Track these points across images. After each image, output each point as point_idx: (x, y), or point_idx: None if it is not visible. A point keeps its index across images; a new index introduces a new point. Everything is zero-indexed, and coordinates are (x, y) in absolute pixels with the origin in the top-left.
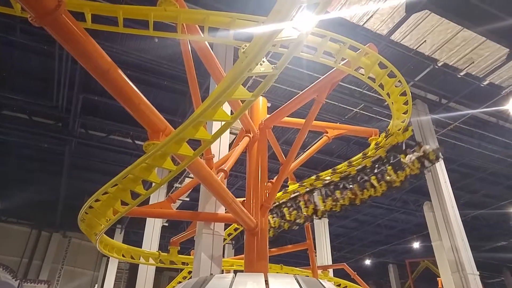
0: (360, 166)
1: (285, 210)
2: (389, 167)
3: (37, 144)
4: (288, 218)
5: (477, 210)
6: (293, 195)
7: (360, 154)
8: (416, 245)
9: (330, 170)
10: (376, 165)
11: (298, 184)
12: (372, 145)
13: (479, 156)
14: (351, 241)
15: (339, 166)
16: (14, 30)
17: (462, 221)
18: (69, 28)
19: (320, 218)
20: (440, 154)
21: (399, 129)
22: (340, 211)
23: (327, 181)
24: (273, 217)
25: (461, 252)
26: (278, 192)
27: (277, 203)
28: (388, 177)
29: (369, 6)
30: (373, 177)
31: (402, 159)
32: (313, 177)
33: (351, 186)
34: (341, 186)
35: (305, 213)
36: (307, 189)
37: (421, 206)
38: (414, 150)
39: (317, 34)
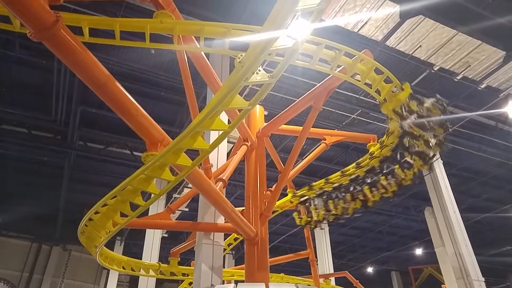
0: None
1: None
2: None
3: (37, 157)
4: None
5: (480, 214)
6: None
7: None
8: (418, 251)
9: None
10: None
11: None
12: (372, 149)
13: (479, 159)
14: (353, 248)
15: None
16: (13, 46)
17: (464, 226)
18: (67, 43)
19: (315, 228)
20: (445, 104)
21: (395, 92)
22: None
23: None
24: None
25: (465, 258)
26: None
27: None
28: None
29: (363, 13)
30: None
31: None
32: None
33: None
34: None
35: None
36: (300, 200)
37: (422, 211)
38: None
39: (312, 42)
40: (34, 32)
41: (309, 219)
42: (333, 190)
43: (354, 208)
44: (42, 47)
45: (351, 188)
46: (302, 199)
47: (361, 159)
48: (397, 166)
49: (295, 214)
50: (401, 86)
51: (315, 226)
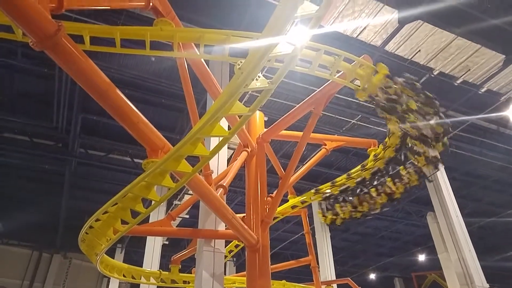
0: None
1: None
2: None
3: (38, 165)
4: None
5: (483, 219)
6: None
7: (371, 157)
8: (422, 257)
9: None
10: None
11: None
12: (371, 157)
13: (481, 164)
14: (355, 254)
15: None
16: (15, 55)
17: (468, 231)
18: (68, 51)
19: (341, 224)
20: (415, 82)
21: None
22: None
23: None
24: None
25: (469, 264)
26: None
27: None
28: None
29: (362, 18)
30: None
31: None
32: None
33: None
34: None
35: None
36: (325, 196)
37: (424, 216)
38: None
39: (312, 47)
40: (36, 41)
41: (334, 217)
42: (356, 185)
43: (381, 203)
44: (43, 55)
45: (375, 182)
46: (325, 196)
47: (377, 151)
48: (409, 153)
49: (319, 212)
50: (375, 69)
51: (341, 224)
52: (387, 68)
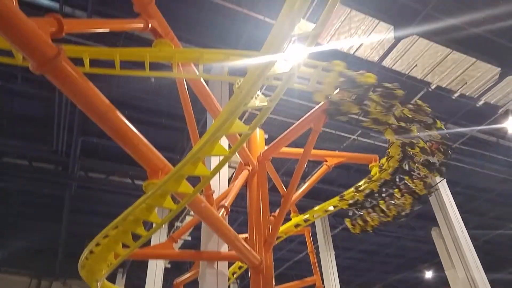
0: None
1: None
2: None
3: (37, 189)
4: None
5: (488, 233)
6: None
7: (384, 159)
8: (429, 274)
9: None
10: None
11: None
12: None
13: (483, 177)
14: (360, 273)
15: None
16: (15, 78)
17: (473, 246)
18: (68, 75)
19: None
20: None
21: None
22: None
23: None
24: None
25: (477, 281)
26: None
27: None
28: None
29: (358, 35)
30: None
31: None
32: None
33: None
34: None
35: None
36: (350, 203)
37: (429, 232)
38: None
39: (309, 64)
40: (36, 65)
41: (363, 224)
42: (380, 188)
43: (409, 203)
44: (43, 79)
45: (397, 182)
46: (351, 202)
47: (388, 150)
48: (408, 147)
49: (347, 221)
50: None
51: (372, 230)
52: (342, 64)
